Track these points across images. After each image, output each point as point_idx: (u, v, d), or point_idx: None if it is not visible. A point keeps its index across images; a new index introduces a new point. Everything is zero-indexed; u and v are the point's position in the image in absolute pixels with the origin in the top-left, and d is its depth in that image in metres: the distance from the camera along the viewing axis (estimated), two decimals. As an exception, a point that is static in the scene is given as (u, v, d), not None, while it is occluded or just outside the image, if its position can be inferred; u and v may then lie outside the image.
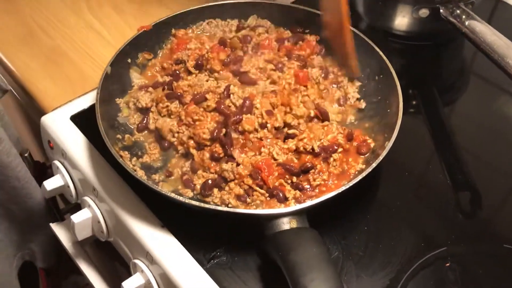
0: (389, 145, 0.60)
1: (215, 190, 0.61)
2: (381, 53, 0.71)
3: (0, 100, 0.84)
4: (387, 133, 0.63)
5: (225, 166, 0.61)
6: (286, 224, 0.54)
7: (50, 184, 0.71)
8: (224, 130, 0.63)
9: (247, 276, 0.57)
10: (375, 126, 0.68)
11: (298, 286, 0.48)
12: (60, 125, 0.72)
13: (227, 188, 0.61)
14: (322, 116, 0.66)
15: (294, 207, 0.56)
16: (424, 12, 0.79)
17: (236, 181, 0.61)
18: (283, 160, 0.62)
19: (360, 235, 0.61)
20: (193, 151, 0.63)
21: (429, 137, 0.74)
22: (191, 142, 0.63)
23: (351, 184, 0.57)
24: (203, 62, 0.71)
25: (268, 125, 0.63)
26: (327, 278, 0.49)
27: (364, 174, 0.57)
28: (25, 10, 0.92)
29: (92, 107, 0.69)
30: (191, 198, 0.61)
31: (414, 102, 0.79)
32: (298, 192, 0.60)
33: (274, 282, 0.56)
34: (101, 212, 0.66)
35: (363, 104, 0.71)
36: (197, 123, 0.63)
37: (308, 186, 0.61)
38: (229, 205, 0.60)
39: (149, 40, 0.75)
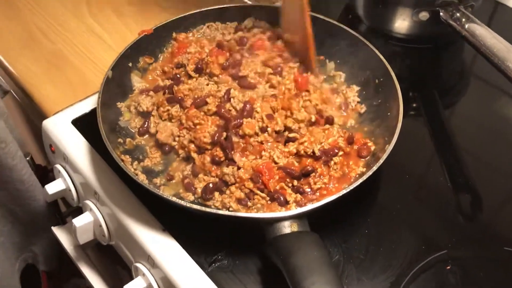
0: (389, 148, 0.60)
1: (216, 194, 0.61)
2: (381, 56, 0.71)
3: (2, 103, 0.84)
4: (387, 136, 0.63)
5: (226, 169, 0.61)
6: (287, 227, 0.54)
7: (52, 188, 0.71)
8: (224, 134, 0.63)
9: (248, 280, 0.58)
10: (375, 129, 0.68)
11: (299, 289, 0.48)
12: (61, 129, 0.72)
13: (228, 191, 0.61)
14: (327, 122, 0.66)
15: (295, 210, 0.56)
16: (424, 15, 0.79)
17: (237, 184, 0.61)
18: (283, 163, 0.62)
19: (361, 238, 0.61)
20: (194, 155, 0.63)
21: (429, 140, 0.74)
22: (192, 146, 0.63)
23: (351, 187, 0.57)
24: (203, 66, 0.71)
25: (269, 129, 0.63)
26: (328, 282, 0.49)
27: (364, 177, 0.57)
28: (26, 15, 0.93)
29: (93, 111, 0.69)
30: (192, 202, 0.61)
31: (414, 105, 0.79)
32: (299, 196, 0.60)
33: (275, 285, 0.56)
34: (102, 215, 0.66)
35: (363, 108, 0.71)
36: (197, 127, 0.64)
37: (309, 190, 0.61)
38: (230, 209, 0.60)
39: (150, 44, 0.76)
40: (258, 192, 0.60)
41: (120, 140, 0.66)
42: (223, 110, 0.64)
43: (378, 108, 0.70)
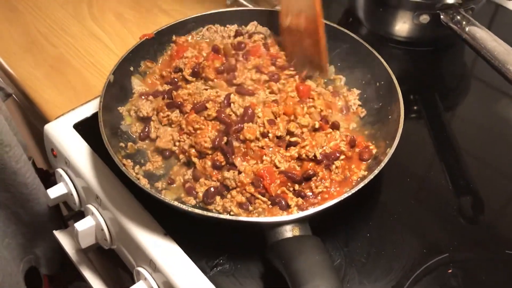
0: (390, 151, 0.60)
1: (217, 198, 0.61)
2: (381, 59, 0.71)
3: (4, 106, 0.84)
4: (388, 139, 0.63)
5: (227, 174, 0.61)
6: (289, 231, 0.54)
7: (54, 192, 0.71)
8: (225, 139, 0.63)
9: (250, 284, 0.58)
10: (376, 132, 0.68)
11: (301, 293, 0.48)
12: (63, 133, 0.72)
13: (229, 196, 0.61)
14: (333, 127, 0.66)
15: (296, 214, 0.56)
16: (424, 18, 0.80)
17: (238, 189, 0.61)
18: (285, 168, 0.62)
19: (362, 242, 0.61)
20: (195, 160, 0.63)
21: (430, 142, 0.75)
22: (193, 151, 0.64)
23: (353, 191, 0.57)
24: (199, 70, 0.71)
25: (270, 134, 0.63)
26: (330, 285, 0.49)
27: (366, 181, 0.57)
28: (27, 19, 0.93)
29: (95, 115, 0.70)
30: (194, 206, 0.61)
31: (415, 107, 0.79)
32: (300, 200, 0.61)
33: (277, 289, 0.56)
34: (104, 220, 0.66)
35: (364, 111, 0.71)
36: (198, 131, 0.64)
37: (311, 194, 0.61)
38: (231, 213, 0.60)
39: (151, 48, 0.76)
40: (259, 196, 0.60)
41: (121, 144, 0.67)
42: (223, 115, 0.64)
43: (379, 112, 0.70)
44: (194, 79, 0.71)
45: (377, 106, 0.71)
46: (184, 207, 0.57)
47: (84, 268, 0.75)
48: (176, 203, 0.57)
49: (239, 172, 0.61)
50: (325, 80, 0.75)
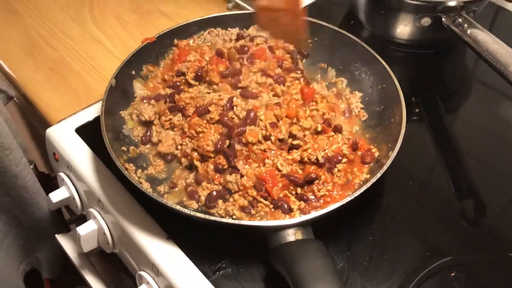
0: (393, 155, 0.60)
1: (220, 202, 0.61)
2: (383, 62, 0.71)
3: (5, 110, 0.84)
4: (390, 142, 0.63)
5: (229, 177, 0.61)
6: (292, 235, 0.54)
7: (56, 196, 0.71)
8: (227, 142, 0.63)
9: (253, 288, 0.58)
10: (378, 135, 0.68)
11: (304, 298, 0.48)
12: (65, 137, 0.72)
13: (231, 199, 0.61)
14: (336, 131, 0.66)
15: (299, 218, 0.56)
16: (426, 21, 0.79)
17: (240, 192, 0.61)
18: (287, 171, 0.62)
19: (365, 245, 0.61)
20: (197, 163, 0.63)
21: (432, 145, 0.75)
22: (195, 154, 0.63)
23: (355, 195, 0.57)
24: (203, 74, 0.71)
25: (272, 137, 0.63)
26: (332, 289, 0.49)
27: (368, 184, 0.57)
28: (28, 22, 0.93)
29: (97, 119, 0.70)
30: (196, 210, 0.61)
31: (417, 110, 0.79)
32: (302, 203, 0.60)
33: (279, 293, 0.56)
34: (106, 224, 0.66)
35: (366, 115, 0.71)
36: (200, 135, 0.64)
37: (313, 197, 0.61)
38: (234, 217, 0.60)
39: (153, 52, 0.76)
40: (262, 200, 0.60)
41: (123, 148, 0.67)
42: (225, 118, 0.64)
43: (380, 114, 0.70)
44: (197, 83, 0.71)
45: (379, 108, 0.71)
46: (186, 211, 0.57)
47: (86, 272, 0.75)
48: (178, 207, 0.57)
49: (241, 176, 0.61)
50: (327, 84, 0.75)
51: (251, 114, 0.64)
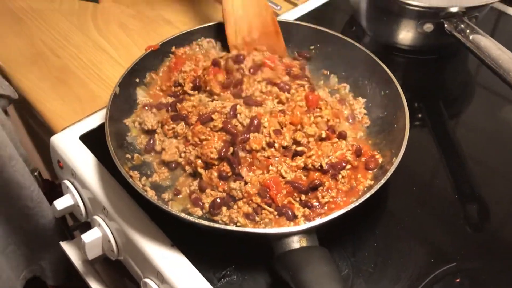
0: (396, 161, 0.60)
1: (224, 209, 0.61)
2: (385, 68, 0.71)
3: (9, 119, 0.85)
4: (394, 148, 0.63)
5: (233, 184, 0.61)
6: (296, 242, 0.54)
7: (60, 203, 0.72)
8: (231, 149, 0.63)
9: (258, 295, 0.58)
10: (382, 141, 0.68)
11: (309, 305, 0.48)
12: (69, 145, 0.72)
13: (235, 206, 0.61)
14: (340, 137, 0.66)
15: (303, 225, 0.56)
16: (428, 27, 0.80)
17: (244, 199, 0.61)
18: (291, 178, 0.62)
19: (369, 252, 0.61)
20: (201, 171, 0.63)
21: (435, 150, 0.75)
22: (199, 162, 0.64)
23: (360, 201, 0.57)
24: (201, 84, 0.71)
25: (276, 144, 0.63)
26: (337, 297, 0.49)
27: (372, 191, 0.58)
28: (32, 30, 0.93)
29: (101, 127, 0.70)
30: (200, 217, 0.61)
31: (419, 115, 0.79)
32: (307, 210, 0.61)
33: (284, 300, 0.56)
34: (111, 231, 0.66)
35: (368, 122, 0.71)
36: (204, 142, 0.64)
37: (317, 204, 0.61)
38: (238, 224, 0.60)
39: (156, 59, 0.76)
40: (266, 207, 0.60)
41: (128, 155, 0.67)
42: (229, 125, 0.64)
43: (384, 120, 0.70)
44: (196, 92, 0.71)
45: (382, 114, 0.71)
46: (190, 218, 0.57)
47: (90, 279, 0.75)
48: (182, 215, 0.57)
49: (245, 183, 0.62)
50: (329, 90, 0.75)
51: (255, 121, 0.64)
